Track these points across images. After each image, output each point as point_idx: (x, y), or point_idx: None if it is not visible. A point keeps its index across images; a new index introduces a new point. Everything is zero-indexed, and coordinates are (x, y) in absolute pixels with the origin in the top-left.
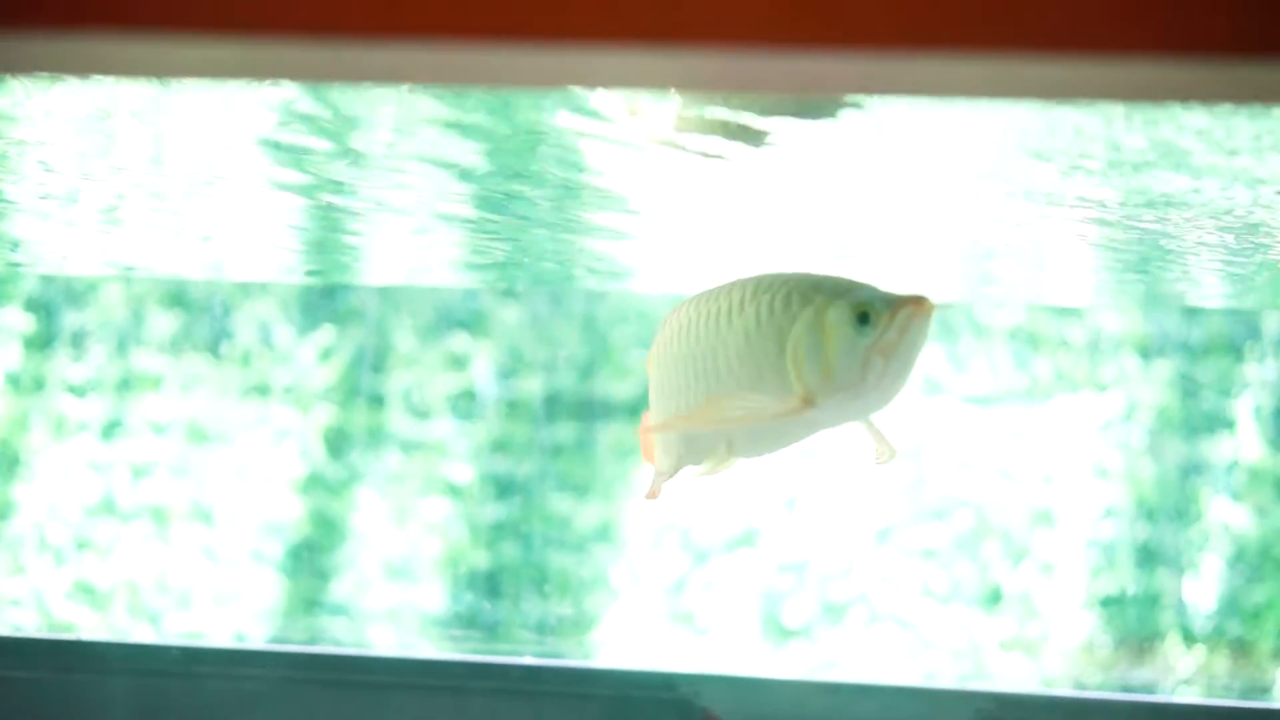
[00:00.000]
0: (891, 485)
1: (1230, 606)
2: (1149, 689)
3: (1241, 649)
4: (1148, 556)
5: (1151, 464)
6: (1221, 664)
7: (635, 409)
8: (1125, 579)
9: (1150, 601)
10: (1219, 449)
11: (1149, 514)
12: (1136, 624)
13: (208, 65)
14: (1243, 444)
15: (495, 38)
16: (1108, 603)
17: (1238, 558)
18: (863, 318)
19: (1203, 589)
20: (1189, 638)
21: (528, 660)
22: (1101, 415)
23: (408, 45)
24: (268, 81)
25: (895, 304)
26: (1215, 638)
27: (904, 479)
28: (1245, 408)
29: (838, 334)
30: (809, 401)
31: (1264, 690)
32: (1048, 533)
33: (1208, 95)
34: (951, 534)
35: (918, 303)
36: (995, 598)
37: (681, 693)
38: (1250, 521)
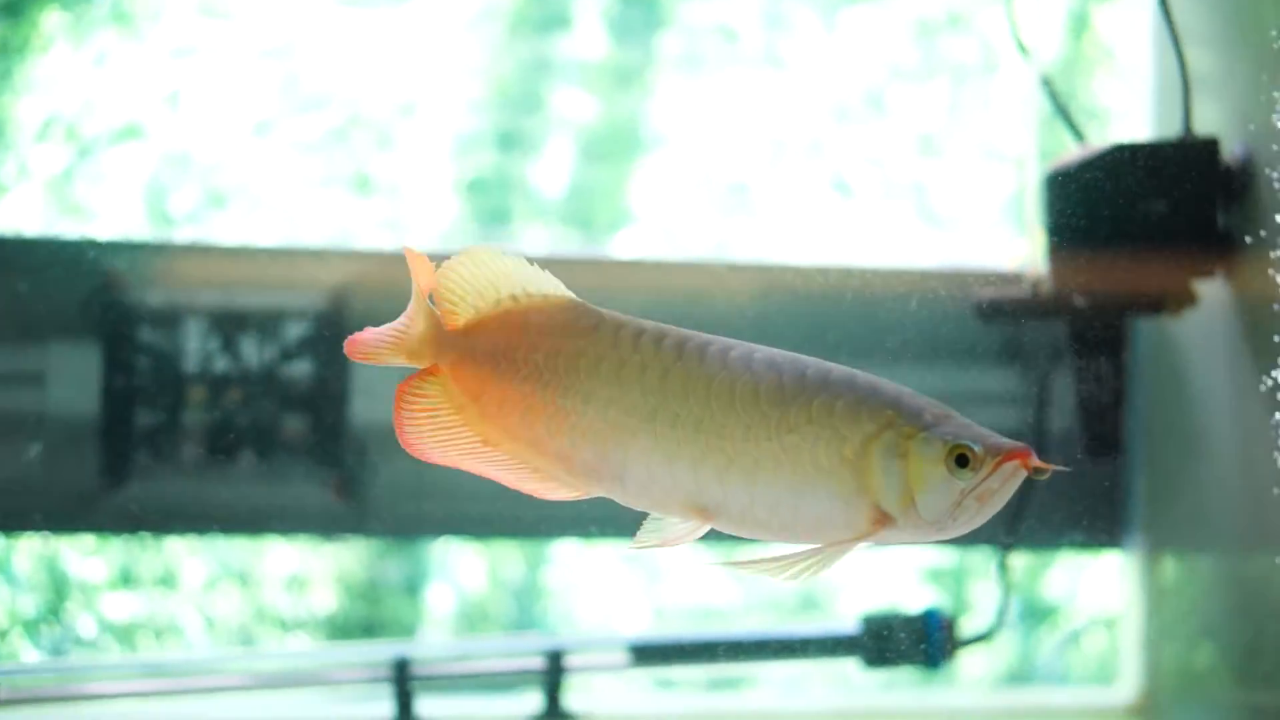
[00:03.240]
0: (268, 80)
1: (576, 188)
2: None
3: (584, 224)
4: (504, 143)
5: (507, 59)
6: (570, 237)
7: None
8: (484, 165)
9: (506, 185)
10: (565, 46)
11: (505, 105)
12: (495, 205)
13: None
14: (585, 41)
15: None
16: (471, 187)
17: (585, 144)
18: (960, 459)
19: (552, 172)
20: (540, 214)
21: None
22: (462, 14)
23: None
24: None
25: (998, 454)
26: (563, 215)
27: (279, 74)
28: (588, 7)
29: (928, 470)
30: (885, 521)
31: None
32: (413, 123)
33: None
34: (325, 126)
35: (1024, 456)
36: (366, 184)
37: (83, 254)
38: (595, 110)
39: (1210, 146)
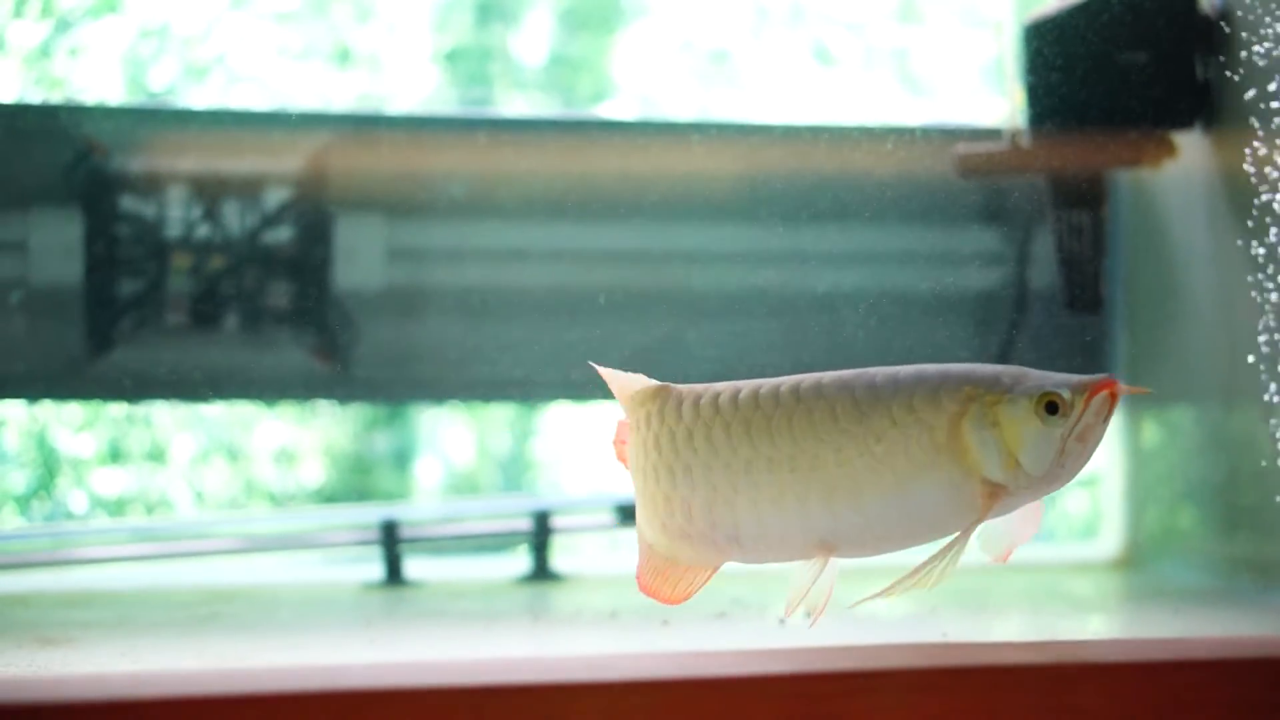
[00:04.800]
0: None
1: (557, 58)
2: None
3: (565, 94)
4: (483, 13)
5: None
6: (551, 103)
7: None
8: (463, 34)
9: (486, 55)
10: None
11: None
12: (474, 76)
13: None
14: None
15: None
16: (450, 57)
17: (564, 13)
18: (1050, 407)
19: (532, 42)
20: (521, 85)
21: None
22: None
23: None
24: None
25: (1086, 390)
26: (544, 85)
27: None
28: None
29: (1023, 428)
30: (997, 494)
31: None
32: None
33: None
34: None
35: (1109, 386)
36: (345, 56)
37: (63, 121)
38: None
39: None
